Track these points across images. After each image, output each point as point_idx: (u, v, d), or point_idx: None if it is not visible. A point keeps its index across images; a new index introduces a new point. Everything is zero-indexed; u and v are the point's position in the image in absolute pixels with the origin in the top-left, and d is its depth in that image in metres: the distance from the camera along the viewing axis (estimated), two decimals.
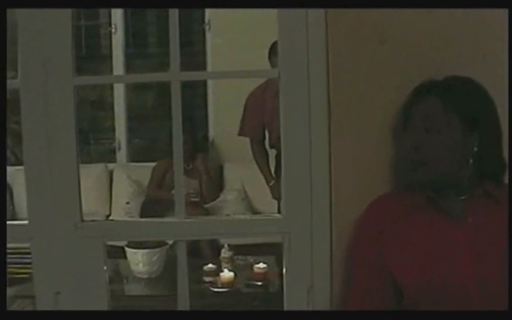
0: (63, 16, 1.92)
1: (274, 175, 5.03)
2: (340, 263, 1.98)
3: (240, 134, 5.20)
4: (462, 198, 1.79)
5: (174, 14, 1.91)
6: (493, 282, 1.70)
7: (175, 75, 1.92)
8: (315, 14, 1.92)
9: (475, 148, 1.77)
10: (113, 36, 6.68)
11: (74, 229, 1.99)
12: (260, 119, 5.03)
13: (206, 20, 6.46)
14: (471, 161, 1.78)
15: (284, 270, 2.00)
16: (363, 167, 1.97)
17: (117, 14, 6.61)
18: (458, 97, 1.77)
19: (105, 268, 2.02)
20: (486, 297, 1.70)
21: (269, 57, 4.55)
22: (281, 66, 1.94)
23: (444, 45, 1.94)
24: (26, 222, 2.02)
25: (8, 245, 1.92)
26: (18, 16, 1.92)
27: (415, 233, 1.79)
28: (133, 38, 6.83)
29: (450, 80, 1.81)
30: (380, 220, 1.84)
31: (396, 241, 1.80)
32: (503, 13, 1.90)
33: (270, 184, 5.05)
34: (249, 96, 5.10)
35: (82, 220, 2.02)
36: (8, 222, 1.97)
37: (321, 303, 1.99)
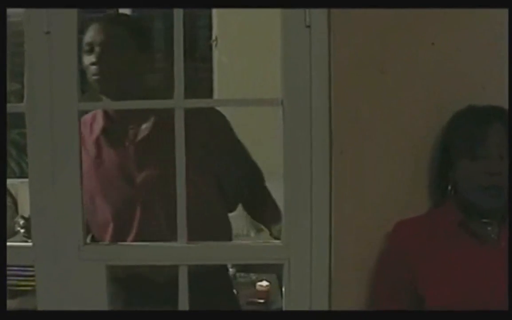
0: (70, 44, 1.96)
1: None
2: (341, 287, 2.00)
3: None
4: (490, 221, 1.83)
5: (179, 38, 1.94)
6: None
7: (179, 102, 1.95)
8: (319, 42, 1.95)
9: None
10: None
11: (77, 251, 2.02)
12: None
13: (213, 37, 6.48)
14: None
15: (283, 296, 2.03)
16: (364, 194, 2.00)
17: None
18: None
19: (106, 291, 2.04)
20: None
21: None
22: (284, 95, 1.97)
23: (443, 76, 1.98)
24: (30, 243, 2.05)
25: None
26: (26, 45, 1.96)
27: (448, 257, 1.82)
28: None
29: (497, 109, 1.86)
30: (410, 242, 1.87)
31: (429, 265, 1.83)
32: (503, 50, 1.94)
33: None
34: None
35: (85, 243, 2.05)
36: (12, 244, 2.01)
37: None
